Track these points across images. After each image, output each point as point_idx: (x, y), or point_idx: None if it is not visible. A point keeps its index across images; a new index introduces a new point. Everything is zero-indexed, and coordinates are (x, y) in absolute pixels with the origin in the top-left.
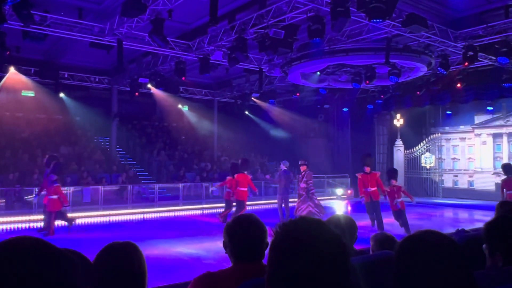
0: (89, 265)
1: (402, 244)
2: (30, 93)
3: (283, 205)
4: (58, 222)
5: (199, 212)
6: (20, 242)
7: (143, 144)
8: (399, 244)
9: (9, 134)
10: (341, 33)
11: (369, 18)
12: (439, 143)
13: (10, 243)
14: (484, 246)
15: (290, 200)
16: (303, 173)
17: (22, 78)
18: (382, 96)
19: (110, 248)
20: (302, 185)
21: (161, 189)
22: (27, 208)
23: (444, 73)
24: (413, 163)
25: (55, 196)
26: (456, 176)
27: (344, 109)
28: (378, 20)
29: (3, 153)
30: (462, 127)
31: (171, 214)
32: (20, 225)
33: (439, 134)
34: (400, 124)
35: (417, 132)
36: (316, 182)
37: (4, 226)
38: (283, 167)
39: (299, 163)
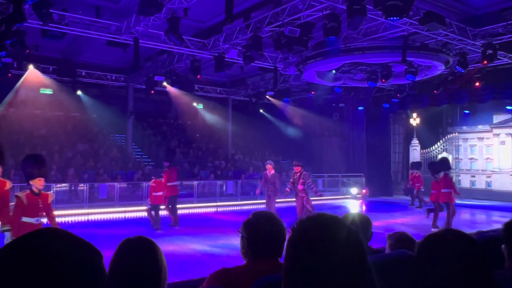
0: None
1: (423, 243)
2: (49, 91)
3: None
4: (77, 218)
5: (213, 209)
6: (48, 231)
7: (158, 142)
8: (420, 242)
9: (28, 131)
10: (357, 31)
11: (385, 16)
12: (456, 143)
13: (39, 233)
14: (503, 246)
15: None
16: (298, 174)
17: (41, 76)
18: (398, 95)
19: (129, 243)
20: (300, 187)
21: None
22: None
23: (462, 71)
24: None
25: None
26: (474, 176)
27: (360, 108)
28: (395, 18)
29: (22, 149)
30: (480, 127)
31: (186, 211)
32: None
33: (457, 134)
34: (417, 123)
35: (434, 131)
36: (330, 181)
37: None
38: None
39: (293, 163)
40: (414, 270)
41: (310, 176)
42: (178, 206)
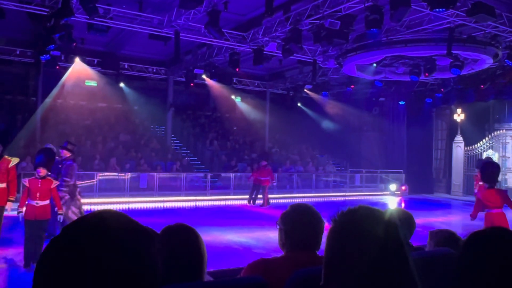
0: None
1: (468, 240)
2: (93, 83)
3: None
4: (118, 206)
5: None
6: (107, 214)
7: (197, 134)
8: (465, 240)
9: (74, 121)
10: (400, 24)
11: (431, 7)
12: (504, 140)
13: (99, 214)
14: None
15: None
16: (63, 163)
17: (86, 68)
18: (442, 90)
19: (171, 229)
20: (65, 179)
21: (213, 178)
22: (89, 191)
23: None
24: (473, 160)
25: None
26: None
27: (401, 103)
28: (440, 10)
29: (68, 139)
30: None
31: (222, 203)
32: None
33: (504, 131)
34: (461, 119)
35: (480, 128)
36: (368, 177)
37: None
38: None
39: (63, 145)
40: (458, 268)
41: (77, 170)
42: (214, 197)
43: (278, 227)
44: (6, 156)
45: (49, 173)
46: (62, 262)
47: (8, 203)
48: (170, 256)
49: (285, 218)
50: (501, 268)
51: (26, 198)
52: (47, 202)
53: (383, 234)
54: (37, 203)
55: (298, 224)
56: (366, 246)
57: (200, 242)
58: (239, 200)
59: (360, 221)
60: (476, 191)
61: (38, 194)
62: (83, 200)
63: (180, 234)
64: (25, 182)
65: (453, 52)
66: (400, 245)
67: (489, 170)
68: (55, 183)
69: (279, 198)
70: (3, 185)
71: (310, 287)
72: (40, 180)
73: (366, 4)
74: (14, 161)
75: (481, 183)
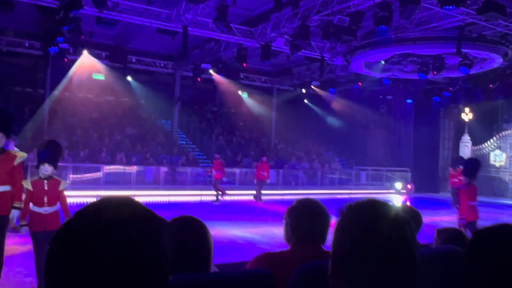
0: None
1: (475, 236)
2: (101, 76)
3: None
4: None
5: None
6: (119, 199)
7: (203, 129)
8: (472, 237)
9: (81, 114)
10: (409, 21)
11: (441, 5)
12: None
13: (111, 200)
14: None
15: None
16: None
17: (94, 61)
18: (450, 88)
19: (180, 219)
20: None
21: None
22: (95, 184)
23: None
24: (480, 160)
25: None
26: None
27: (408, 101)
28: (451, 7)
29: (75, 131)
30: None
31: (227, 198)
32: (88, 200)
33: None
34: (469, 119)
35: (488, 127)
36: (374, 175)
37: (74, 200)
38: None
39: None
40: (464, 265)
41: None
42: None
43: (284, 221)
44: (12, 151)
45: (55, 171)
46: (74, 246)
47: (13, 210)
48: (178, 246)
49: (292, 212)
50: (508, 265)
51: (29, 204)
52: (57, 207)
53: (389, 228)
54: (45, 211)
55: (304, 218)
56: (372, 239)
57: (207, 234)
58: (244, 195)
59: (366, 215)
60: (449, 188)
61: (45, 198)
62: (88, 193)
63: (188, 225)
64: (27, 184)
65: (463, 50)
66: (406, 239)
67: (475, 165)
68: (63, 184)
69: (284, 194)
70: (7, 187)
71: (315, 280)
72: (45, 181)
73: (375, 1)
74: (21, 157)
75: (457, 179)
